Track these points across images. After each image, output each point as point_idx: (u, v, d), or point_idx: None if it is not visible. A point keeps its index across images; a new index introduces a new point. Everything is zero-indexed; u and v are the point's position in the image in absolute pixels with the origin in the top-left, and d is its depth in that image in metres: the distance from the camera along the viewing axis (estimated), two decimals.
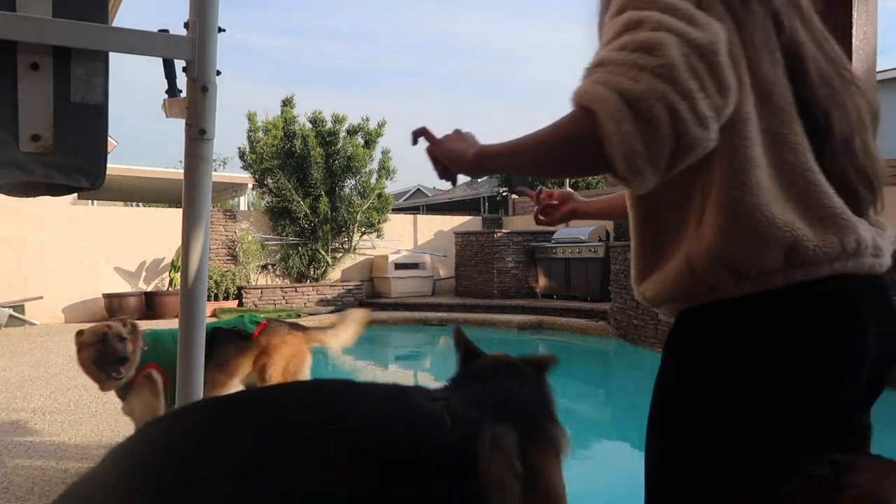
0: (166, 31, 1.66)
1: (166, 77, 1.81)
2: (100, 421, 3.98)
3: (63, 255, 10.14)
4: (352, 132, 12.36)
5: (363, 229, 12.60)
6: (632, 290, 1.08)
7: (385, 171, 12.70)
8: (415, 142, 1.09)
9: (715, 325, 0.89)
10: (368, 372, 7.90)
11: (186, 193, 1.72)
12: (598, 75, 0.78)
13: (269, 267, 12.04)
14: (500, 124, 73.36)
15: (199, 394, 1.81)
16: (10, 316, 9.04)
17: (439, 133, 1.06)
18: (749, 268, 0.84)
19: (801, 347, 0.84)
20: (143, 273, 10.91)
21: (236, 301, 11.06)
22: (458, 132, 1.03)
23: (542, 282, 11.31)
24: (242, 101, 60.85)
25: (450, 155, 0.99)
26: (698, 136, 0.75)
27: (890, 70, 12.42)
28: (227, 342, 2.98)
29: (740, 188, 0.83)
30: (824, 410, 0.86)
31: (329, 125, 12.23)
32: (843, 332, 0.84)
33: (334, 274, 12.60)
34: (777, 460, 0.85)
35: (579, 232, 10.73)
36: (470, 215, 15.58)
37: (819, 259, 0.83)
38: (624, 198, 1.24)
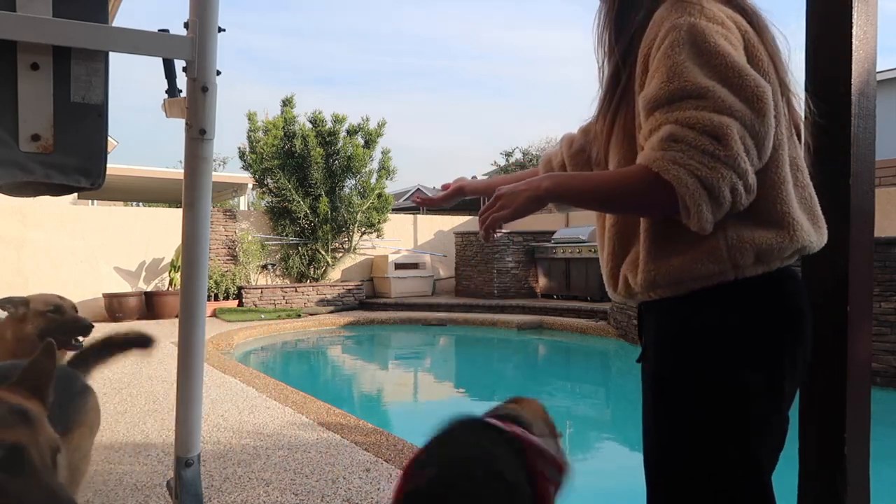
0: (166, 31, 1.65)
1: (166, 77, 1.81)
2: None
3: (63, 255, 10.14)
4: (352, 132, 12.36)
5: (363, 229, 12.60)
6: None
7: (385, 171, 12.69)
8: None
9: (725, 298, 1.05)
10: (368, 372, 7.90)
11: (186, 193, 1.72)
12: (675, 154, 0.95)
13: (269, 267, 12.04)
14: (500, 125, 73.37)
15: (200, 393, 1.81)
16: None
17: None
18: (770, 256, 1.03)
19: (792, 313, 1.07)
20: (143, 273, 10.90)
21: (236, 301, 11.06)
22: (510, 184, 1.16)
23: (542, 282, 11.31)
24: (242, 101, 60.89)
25: (517, 196, 1.10)
26: (746, 201, 0.98)
27: (890, 70, 12.42)
28: None
29: (781, 199, 1.02)
30: (800, 368, 1.09)
31: (329, 125, 12.23)
32: (805, 296, 1.10)
33: (334, 274, 12.60)
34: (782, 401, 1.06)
35: (579, 232, 10.73)
36: (470, 215, 15.57)
37: (801, 255, 1.09)
38: (519, 177, 1.52)
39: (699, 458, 1.06)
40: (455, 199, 1.69)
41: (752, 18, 1.06)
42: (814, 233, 1.06)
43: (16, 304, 2.18)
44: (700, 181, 0.93)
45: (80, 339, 2.27)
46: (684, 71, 0.97)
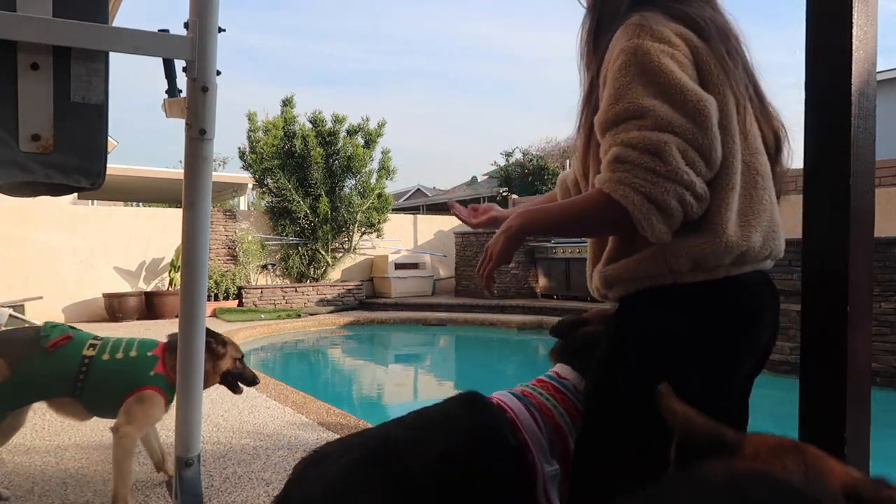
0: (166, 31, 1.66)
1: (166, 77, 1.82)
2: (99, 421, 3.97)
3: (63, 255, 10.13)
4: (352, 132, 12.36)
5: (363, 229, 12.60)
6: None
7: (385, 171, 12.69)
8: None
9: (669, 301, 1.11)
10: (368, 372, 7.90)
11: (186, 193, 1.72)
12: (621, 175, 1.01)
13: (269, 267, 12.04)
14: (500, 125, 73.37)
15: (200, 393, 1.81)
16: (11, 316, 9.02)
17: None
18: (708, 264, 1.08)
19: (737, 322, 1.11)
20: (143, 273, 10.90)
21: (236, 301, 11.05)
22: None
23: (542, 282, 11.31)
24: (242, 101, 60.87)
25: (497, 241, 1.19)
26: (698, 209, 1.04)
27: (890, 70, 12.42)
28: None
29: (725, 206, 1.06)
30: (744, 370, 1.14)
31: (329, 125, 12.23)
32: (758, 311, 1.13)
33: (334, 274, 12.60)
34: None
35: None
36: None
37: (754, 261, 1.11)
38: (540, 202, 1.61)
39: (630, 447, 1.11)
40: (489, 225, 1.66)
41: (705, 32, 1.08)
42: (756, 239, 1.09)
43: (219, 342, 2.52)
44: (646, 197, 0.99)
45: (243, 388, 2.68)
46: (628, 92, 1.03)
